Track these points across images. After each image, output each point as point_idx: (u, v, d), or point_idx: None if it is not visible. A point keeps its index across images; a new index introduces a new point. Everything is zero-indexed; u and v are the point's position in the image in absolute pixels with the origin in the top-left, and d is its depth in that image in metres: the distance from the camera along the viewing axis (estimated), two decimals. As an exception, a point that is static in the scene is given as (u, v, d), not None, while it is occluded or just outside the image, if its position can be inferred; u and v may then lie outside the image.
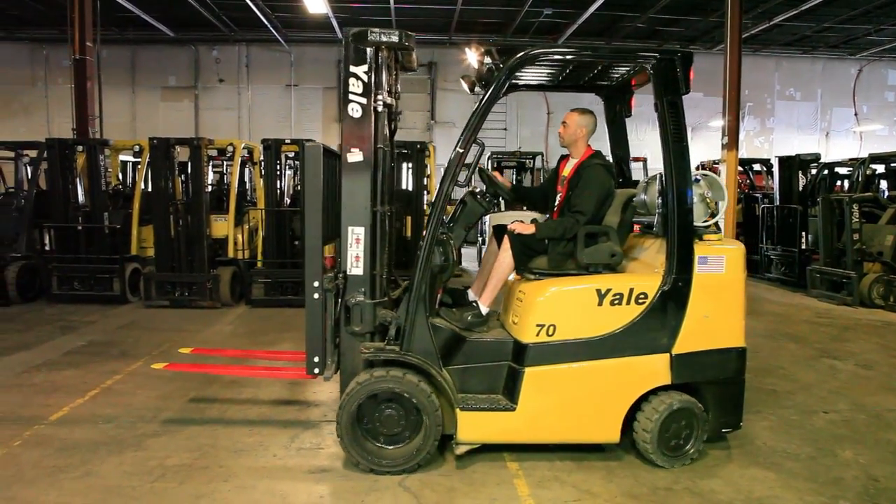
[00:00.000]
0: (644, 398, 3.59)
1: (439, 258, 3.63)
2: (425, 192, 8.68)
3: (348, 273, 3.61)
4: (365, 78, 3.56)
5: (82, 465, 3.54)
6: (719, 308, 3.64)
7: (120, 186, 10.32)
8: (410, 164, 8.52)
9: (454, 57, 18.84)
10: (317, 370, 3.70)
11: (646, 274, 3.70)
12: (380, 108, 3.59)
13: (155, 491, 3.27)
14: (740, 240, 11.32)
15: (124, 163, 11.16)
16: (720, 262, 3.60)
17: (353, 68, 3.54)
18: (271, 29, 16.84)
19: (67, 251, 8.15)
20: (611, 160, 4.38)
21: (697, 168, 13.82)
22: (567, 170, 4.11)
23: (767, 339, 6.71)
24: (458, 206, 3.97)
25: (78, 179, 8.34)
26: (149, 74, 18.28)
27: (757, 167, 13.08)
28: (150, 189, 8.65)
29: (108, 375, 5.17)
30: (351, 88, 3.56)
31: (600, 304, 3.56)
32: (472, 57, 3.66)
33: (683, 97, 3.63)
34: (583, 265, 3.72)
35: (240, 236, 8.64)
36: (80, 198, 8.34)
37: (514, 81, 4.11)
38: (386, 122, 3.65)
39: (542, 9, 15.75)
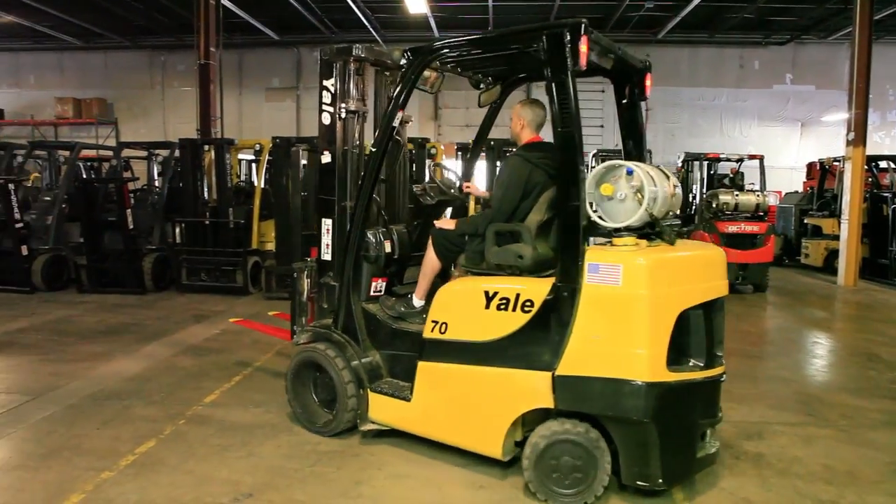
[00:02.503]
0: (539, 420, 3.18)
1: (374, 250, 3.89)
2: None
3: (321, 258, 4.14)
4: (332, 90, 4.02)
5: (244, 446, 3.76)
6: (613, 329, 2.98)
7: (242, 183, 10.89)
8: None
9: (549, 53, 18.68)
10: (294, 338, 4.38)
11: (537, 279, 3.23)
12: (343, 115, 4.00)
13: (315, 474, 3.43)
14: (864, 242, 10.74)
15: (240, 160, 11.76)
16: (615, 272, 2.93)
17: (324, 82, 4.05)
18: (371, 30, 17.23)
19: (196, 244, 8.68)
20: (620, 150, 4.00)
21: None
22: None
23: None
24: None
25: (204, 177, 8.86)
26: (254, 76, 19.11)
27: (883, 164, 12.22)
28: (266, 186, 9.13)
29: (247, 363, 5.46)
30: (323, 99, 4.06)
31: (487, 307, 3.27)
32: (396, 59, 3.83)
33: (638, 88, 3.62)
34: (492, 265, 3.42)
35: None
36: (206, 194, 8.87)
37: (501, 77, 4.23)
38: (356, 127, 4.06)
39: (642, 2, 15.37)
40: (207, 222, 8.63)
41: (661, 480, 3.02)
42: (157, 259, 8.75)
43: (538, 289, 3.15)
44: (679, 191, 3.37)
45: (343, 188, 4.02)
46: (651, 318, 2.95)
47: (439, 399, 3.49)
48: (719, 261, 3.37)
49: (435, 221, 3.97)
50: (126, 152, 11.53)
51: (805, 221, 12.40)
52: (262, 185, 9.13)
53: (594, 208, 3.11)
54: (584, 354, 3.02)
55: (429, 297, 3.77)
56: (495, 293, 3.26)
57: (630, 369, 2.94)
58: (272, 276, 8.31)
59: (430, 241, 3.84)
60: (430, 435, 3.59)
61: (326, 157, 4.07)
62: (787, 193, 14.78)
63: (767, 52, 18.21)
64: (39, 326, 6.76)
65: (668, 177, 3.28)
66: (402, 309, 3.89)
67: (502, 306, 3.23)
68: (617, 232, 3.09)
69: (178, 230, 8.85)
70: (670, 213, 3.30)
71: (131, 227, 8.35)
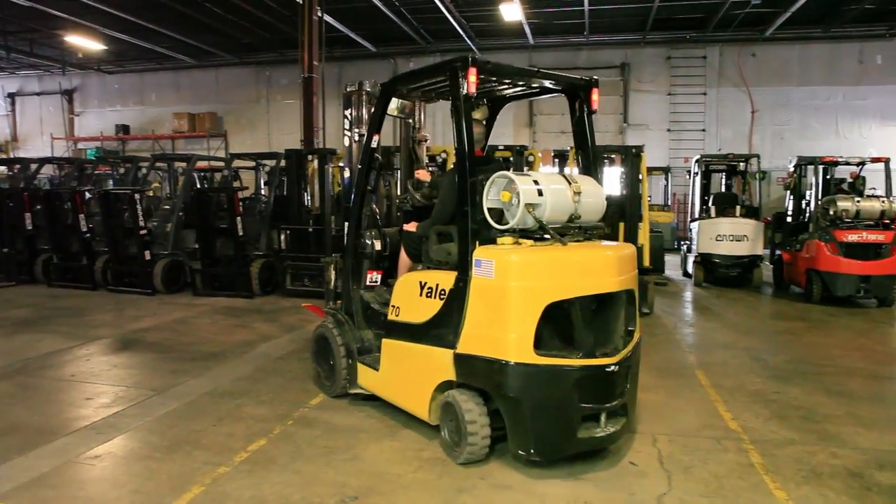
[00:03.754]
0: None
1: (368, 248, 4.61)
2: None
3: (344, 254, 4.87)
4: (350, 118, 4.93)
5: (349, 449, 3.86)
6: (487, 314, 3.52)
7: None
8: (623, 169, 8.27)
9: (648, 57, 18.15)
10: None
11: (450, 272, 3.76)
12: (357, 138, 4.94)
13: (418, 481, 3.46)
14: None
15: (340, 169, 12.15)
16: (490, 267, 3.46)
17: (345, 112, 5.04)
18: (466, 39, 17.42)
19: (299, 251, 9.03)
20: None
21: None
22: None
23: None
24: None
25: (308, 186, 9.22)
26: (353, 88, 19.76)
27: None
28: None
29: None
30: (345, 126, 5.02)
31: (421, 294, 3.92)
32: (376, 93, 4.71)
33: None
34: (433, 261, 4.01)
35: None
36: (309, 202, 9.22)
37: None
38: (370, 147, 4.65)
39: (749, -1, 14.64)
40: (311, 229, 8.96)
41: (532, 451, 3.45)
42: (264, 265, 9.17)
43: (449, 280, 3.72)
44: (589, 197, 3.79)
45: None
46: (517, 307, 3.43)
47: (392, 369, 4.20)
48: (613, 260, 3.69)
49: (404, 225, 4.60)
50: (236, 163, 12.18)
51: (938, 230, 11.30)
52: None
53: (505, 212, 3.62)
54: (474, 336, 3.56)
55: None
56: (425, 283, 3.92)
57: (502, 350, 3.43)
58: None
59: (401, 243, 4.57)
60: (388, 398, 4.31)
61: (347, 172, 4.95)
62: (915, 199, 13.57)
63: (893, 44, 16.87)
64: (161, 326, 7.25)
65: (570, 184, 3.73)
66: (387, 297, 4.45)
67: (429, 294, 3.87)
68: (503, 233, 3.59)
69: (283, 237, 9.24)
70: (575, 218, 3.73)
71: (241, 233, 8.81)
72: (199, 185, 11.95)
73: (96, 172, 13.70)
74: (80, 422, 4.27)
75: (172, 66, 21.33)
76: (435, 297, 3.80)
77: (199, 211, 9.07)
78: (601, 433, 3.54)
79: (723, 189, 12.35)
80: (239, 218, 8.79)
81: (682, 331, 7.44)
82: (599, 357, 3.53)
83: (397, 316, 4.13)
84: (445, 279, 3.75)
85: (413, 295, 3.99)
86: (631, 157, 7.83)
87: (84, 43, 17.88)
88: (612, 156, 8.74)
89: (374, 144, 4.48)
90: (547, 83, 4.24)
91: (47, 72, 22.63)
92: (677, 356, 6.23)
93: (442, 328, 3.73)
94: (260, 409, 4.52)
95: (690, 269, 10.95)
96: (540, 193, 3.55)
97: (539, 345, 3.43)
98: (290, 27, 15.03)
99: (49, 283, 9.92)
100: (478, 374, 3.55)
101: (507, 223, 3.59)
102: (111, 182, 13.45)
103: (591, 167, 4.22)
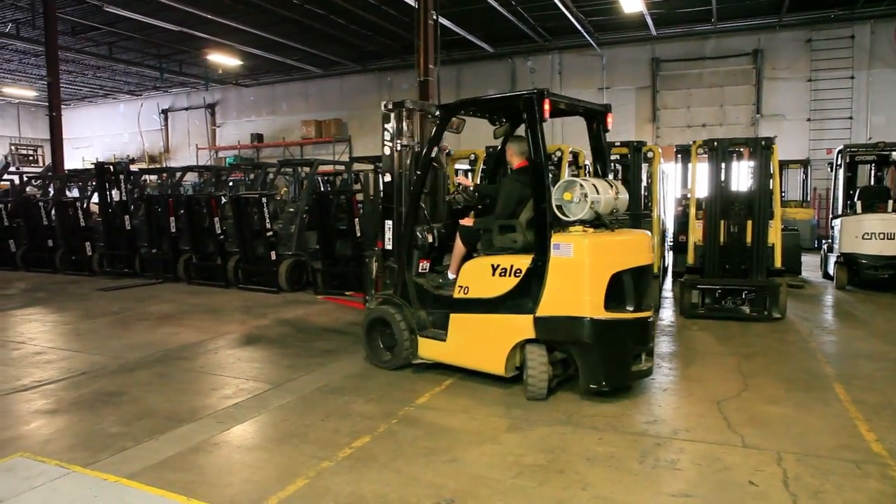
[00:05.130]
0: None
1: (421, 241, 5.40)
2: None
3: (385, 248, 5.67)
4: (391, 130, 5.49)
5: (449, 451, 3.84)
6: (567, 284, 4.50)
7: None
8: (752, 163, 7.60)
9: (784, 41, 16.77)
10: (366, 304, 5.92)
11: (524, 256, 4.70)
12: (398, 148, 5.50)
13: (517, 487, 3.38)
14: None
15: (456, 170, 12.25)
16: (569, 248, 4.47)
17: (385, 125, 5.53)
18: (584, 34, 16.99)
19: (413, 251, 9.17)
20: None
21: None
22: None
23: None
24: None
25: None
26: (471, 89, 19.84)
27: None
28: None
29: (456, 370, 5.57)
30: (385, 137, 5.56)
31: (493, 274, 4.81)
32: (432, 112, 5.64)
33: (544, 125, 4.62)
34: (497, 248, 4.93)
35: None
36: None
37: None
38: (408, 156, 5.51)
39: (908, -31, 13.11)
40: (425, 230, 9.07)
41: (604, 383, 4.58)
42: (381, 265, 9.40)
43: (524, 261, 4.69)
44: (622, 196, 4.89)
45: (399, 199, 5.53)
46: (591, 276, 4.49)
47: (464, 338, 5.04)
48: (643, 242, 4.97)
49: (460, 220, 5.46)
50: (356, 166, 12.65)
51: None
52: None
53: (563, 208, 4.59)
54: (553, 301, 4.54)
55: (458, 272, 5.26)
56: (498, 265, 4.81)
57: (580, 309, 4.48)
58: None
59: (458, 235, 5.39)
60: (459, 363, 5.15)
61: (387, 178, 5.64)
62: None
63: None
64: (283, 323, 7.66)
65: (611, 186, 4.78)
66: (441, 281, 5.48)
67: (502, 274, 4.77)
68: (572, 223, 4.59)
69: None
70: (615, 211, 4.82)
71: (359, 234, 9.10)
72: (321, 189, 12.52)
73: (231, 178, 14.76)
74: (205, 410, 4.58)
75: (301, 76, 22.59)
76: (509, 276, 4.71)
77: (319, 213, 9.49)
78: (644, 367, 4.81)
79: (872, 182, 11.12)
80: (357, 219, 9.09)
81: (820, 338, 6.76)
82: (643, 311, 4.74)
83: (466, 294, 4.98)
84: (519, 261, 4.71)
85: (484, 276, 4.87)
86: (760, 149, 7.22)
87: (224, 60, 19.38)
88: (740, 149, 8.07)
89: (433, 154, 5.32)
90: (575, 109, 5.25)
91: (194, 88, 24.80)
92: (811, 366, 5.66)
93: (519, 299, 4.66)
94: (367, 407, 4.63)
95: (832, 270, 9.96)
96: (597, 193, 4.57)
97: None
98: (410, 33, 15.40)
99: (189, 281, 10.82)
100: (558, 330, 4.55)
101: (566, 216, 4.58)
102: (244, 187, 14.42)
103: (606, 173, 5.28)
